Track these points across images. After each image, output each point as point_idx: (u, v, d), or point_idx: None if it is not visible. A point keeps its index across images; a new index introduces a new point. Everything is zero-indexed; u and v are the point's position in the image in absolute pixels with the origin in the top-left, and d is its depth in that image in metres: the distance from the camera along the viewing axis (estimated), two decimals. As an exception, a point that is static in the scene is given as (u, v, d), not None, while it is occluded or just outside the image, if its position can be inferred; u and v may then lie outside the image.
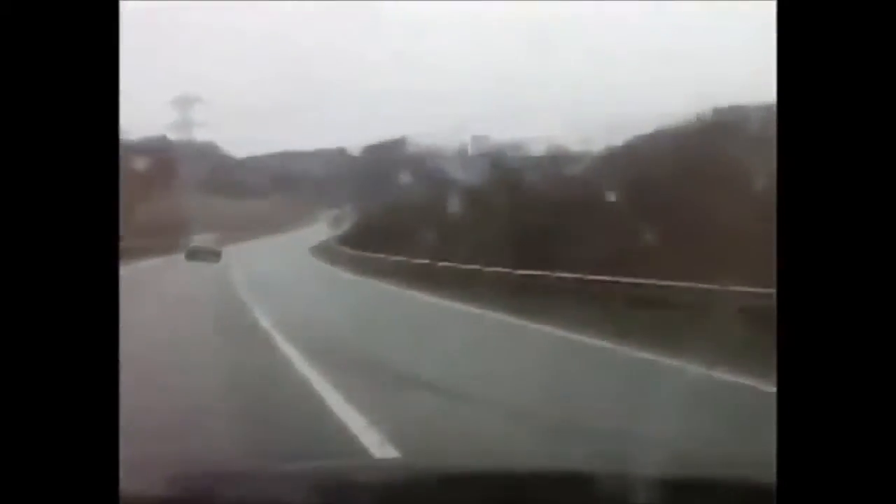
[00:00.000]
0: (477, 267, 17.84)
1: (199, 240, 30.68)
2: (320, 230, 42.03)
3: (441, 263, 19.51)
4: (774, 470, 1.24)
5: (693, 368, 7.52)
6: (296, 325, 10.55)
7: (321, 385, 6.45)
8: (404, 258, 22.36)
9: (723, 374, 7.25)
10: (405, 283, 19.57)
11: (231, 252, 33.53)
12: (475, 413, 5.76)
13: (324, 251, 35.69)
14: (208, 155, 61.87)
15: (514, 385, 6.97)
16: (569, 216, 17.24)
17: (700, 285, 11.39)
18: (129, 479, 1.38)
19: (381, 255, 25.32)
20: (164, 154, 58.42)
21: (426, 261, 20.34)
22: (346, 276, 25.56)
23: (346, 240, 34.30)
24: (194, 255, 29.20)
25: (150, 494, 1.48)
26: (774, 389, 1.31)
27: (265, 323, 11.04)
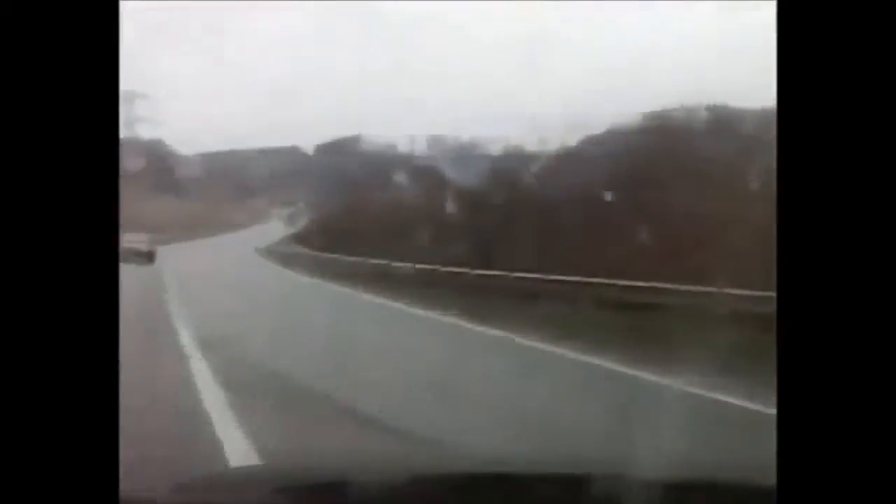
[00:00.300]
0: (434, 267, 17.20)
1: (129, 239, 26.43)
2: (275, 228, 40.44)
3: (397, 264, 18.91)
4: (775, 471, 1.24)
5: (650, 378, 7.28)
6: (219, 339, 9.46)
7: (215, 403, 5.91)
8: (361, 258, 21.86)
9: (692, 388, 6.67)
10: (359, 285, 18.55)
11: (170, 252, 31.61)
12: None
13: (274, 251, 33.86)
14: (155, 152, 60.63)
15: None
16: (525, 216, 17.00)
17: (685, 287, 11.10)
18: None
19: (336, 256, 24.35)
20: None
21: (383, 261, 19.73)
22: (296, 279, 24.32)
23: (299, 239, 33.19)
24: (121, 257, 26.72)
25: (150, 496, 1.47)
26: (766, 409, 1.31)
27: (184, 338, 9.77)
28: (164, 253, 30.57)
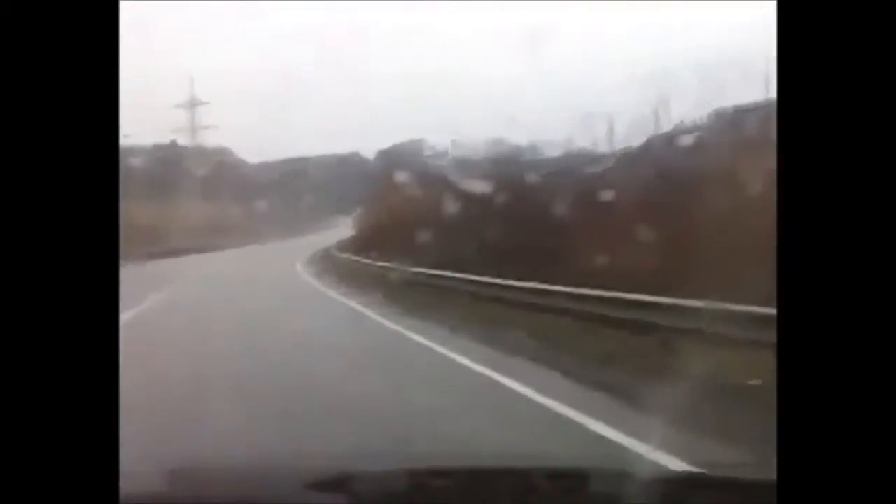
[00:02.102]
0: (474, 277, 13.49)
1: None
2: (338, 233, 40.01)
3: (437, 272, 15.43)
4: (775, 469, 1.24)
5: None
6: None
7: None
8: (398, 265, 18.32)
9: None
10: (387, 297, 14.86)
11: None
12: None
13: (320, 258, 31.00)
14: (219, 159, 62.23)
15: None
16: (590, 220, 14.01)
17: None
18: None
19: (379, 263, 20.65)
20: (173, 159, 59.07)
21: (423, 269, 16.24)
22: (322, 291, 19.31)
23: (344, 246, 31.25)
24: None
25: (150, 493, 1.48)
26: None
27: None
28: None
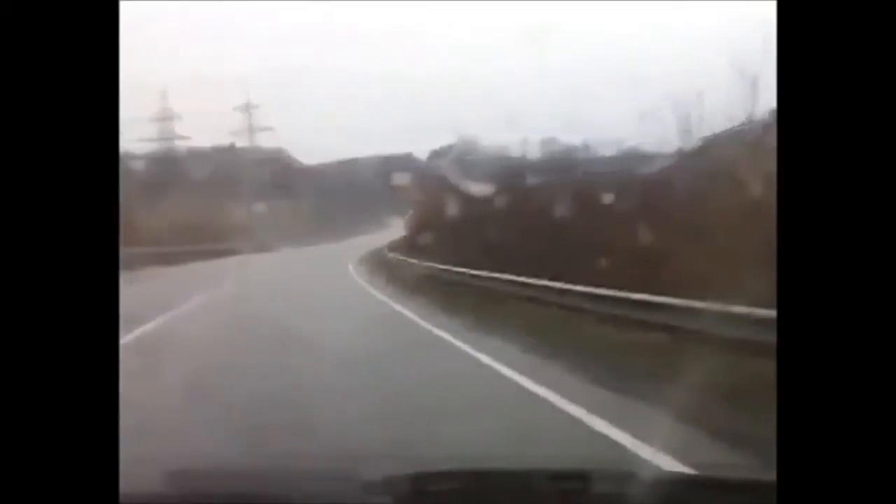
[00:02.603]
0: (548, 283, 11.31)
1: None
2: (390, 235, 40.38)
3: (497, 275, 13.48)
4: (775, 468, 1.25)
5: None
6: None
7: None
8: (450, 266, 16.62)
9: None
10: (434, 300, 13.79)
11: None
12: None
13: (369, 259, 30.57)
14: (276, 161, 63.46)
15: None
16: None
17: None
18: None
19: (427, 263, 19.61)
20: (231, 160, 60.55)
21: (486, 272, 14.09)
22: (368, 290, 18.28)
23: (395, 246, 30.82)
24: None
25: (149, 492, 1.49)
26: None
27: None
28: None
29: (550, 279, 11.54)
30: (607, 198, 15.49)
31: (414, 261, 22.20)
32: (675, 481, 1.57)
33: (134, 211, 31.03)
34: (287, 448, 3.86)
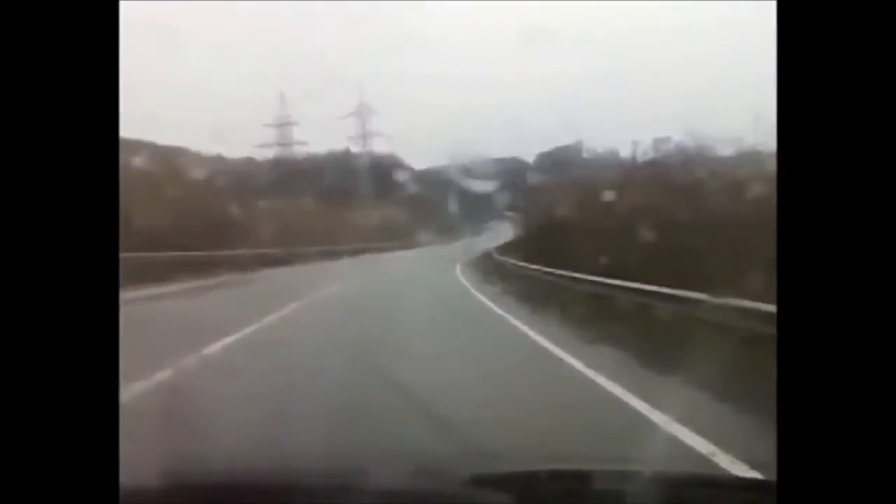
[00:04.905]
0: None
1: None
2: (501, 236, 40.63)
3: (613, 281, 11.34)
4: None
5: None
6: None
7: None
8: (562, 271, 14.85)
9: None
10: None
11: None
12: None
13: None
14: (389, 166, 64.83)
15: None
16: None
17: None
18: None
19: (534, 266, 18.42)
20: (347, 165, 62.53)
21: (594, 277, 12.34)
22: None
23: (503, 249, 30.72)
24: None
25: (150, 487, 1.49)
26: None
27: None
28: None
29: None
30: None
31: (520, 263, 21.74)
32: (674, 481, 1.55)
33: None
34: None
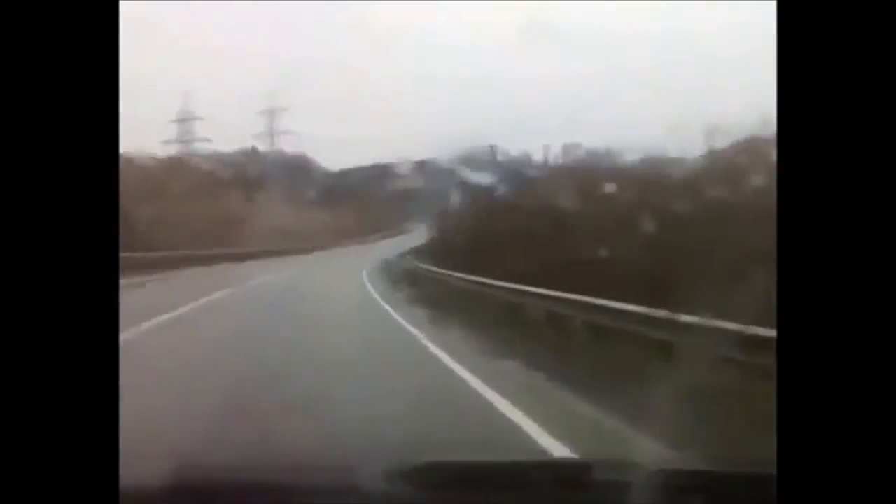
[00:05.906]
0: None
1: None
2: (413, 239, 40.26)
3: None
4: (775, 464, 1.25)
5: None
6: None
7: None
8: (478, 277, 14.62)
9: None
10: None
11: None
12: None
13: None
14: (300, 166, 63.75)
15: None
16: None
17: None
18: None
19: (445, 271, 18.29)
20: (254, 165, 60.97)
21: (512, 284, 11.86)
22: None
23: (415, 252, 30.46)
24: None
25: (150, 486, 1.49)
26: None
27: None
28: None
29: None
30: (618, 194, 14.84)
31: (432, 267, 21.69)
32: (674, 474, 1.55)
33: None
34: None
